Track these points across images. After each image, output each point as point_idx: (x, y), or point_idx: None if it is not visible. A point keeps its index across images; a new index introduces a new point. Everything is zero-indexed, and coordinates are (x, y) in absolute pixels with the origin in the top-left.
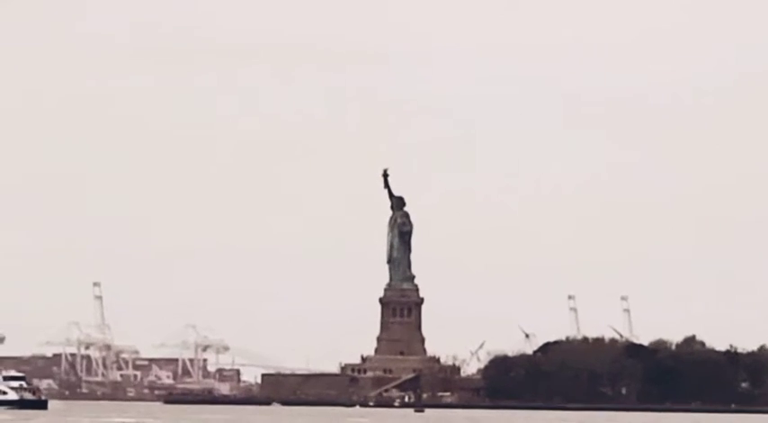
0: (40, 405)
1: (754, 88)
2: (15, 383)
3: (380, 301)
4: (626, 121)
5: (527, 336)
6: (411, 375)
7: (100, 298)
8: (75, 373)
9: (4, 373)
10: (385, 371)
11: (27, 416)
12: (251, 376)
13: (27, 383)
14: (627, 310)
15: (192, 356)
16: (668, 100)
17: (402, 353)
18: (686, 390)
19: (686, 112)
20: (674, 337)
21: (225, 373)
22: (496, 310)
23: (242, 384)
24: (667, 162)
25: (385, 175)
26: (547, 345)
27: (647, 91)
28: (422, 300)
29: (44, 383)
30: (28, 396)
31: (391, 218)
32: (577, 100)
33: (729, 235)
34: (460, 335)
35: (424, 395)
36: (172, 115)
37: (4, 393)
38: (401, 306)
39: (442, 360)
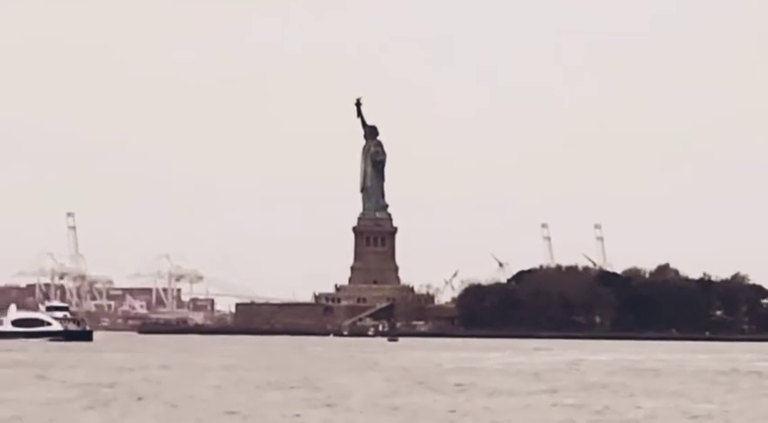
0: (85, 336)
1: (722, 19)
2: (59, 313)
3: (354, 230)
4: (600, 51)
5: (501, 264)
6: (385, 304)
7: (74, 228)
8: None
9: (47, 303)
10: (359, 300)
11: (75, 348)
12: (225, 306)
13: (71, 313)
14: (600, 239)
15: (165, 286)
16: (640, 29)
17: (376, 282)
18: (660, 318)
19: (658, 43)
20: (648, 265)
21: (199, 303)
22: (470, 239)
23: (216, 314)
24: (641, 93)
25: (358, 105)
26: (521, 273)
27: (612, 22)
28: (395, 229)
29: None
30: (72, 327)
31: (365, 147)
32: (566, 34)
33: (703, 164)
34: (434, 264)
35: (398, 324)
36: (141, 47)
37: (48, 324)
38: (375, 235)
39: (415, 289)
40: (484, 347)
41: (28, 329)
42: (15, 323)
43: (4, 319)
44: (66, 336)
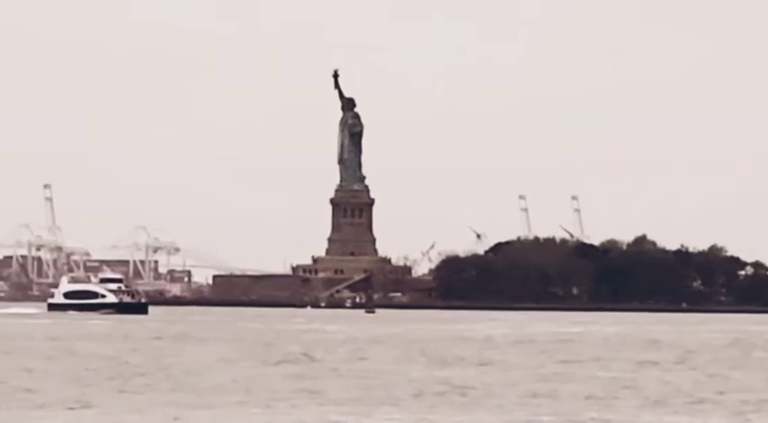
0: (140, 309)
1: None
2: (113, 285)
3: (331, 201)
4: (577, 17)
5: (478, 236)
6: (362, 276)
7: (50, 200)
8: (27, 275)
9: (101, 275)
10: (336, 272)
11: (130, 321)
12: (202, 277)
13: (125, 286)
14: (577, 210)
15: (143, 258)
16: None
17: (353, 253)
18: (637, 289)
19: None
20: (625, 236)
21: (176, 275)
22: (447, 211)
23: (193, 285)
24: (618, 62)
25: (335, 76)
26: (498, 245)
27: None
28: (373, 200)
29: None
30: (127, 299)
31: (342, 119)
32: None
33: (681, 134)
34: (412, 235)
35: (376, 296)
36: (118, 18)
37: (103, 296)
38: (352, 207)
39: (393, 261)
40: (461, 319)
41: (81, 302)
42: (67, 295)
43: (55, 291)
44: (120, 308)
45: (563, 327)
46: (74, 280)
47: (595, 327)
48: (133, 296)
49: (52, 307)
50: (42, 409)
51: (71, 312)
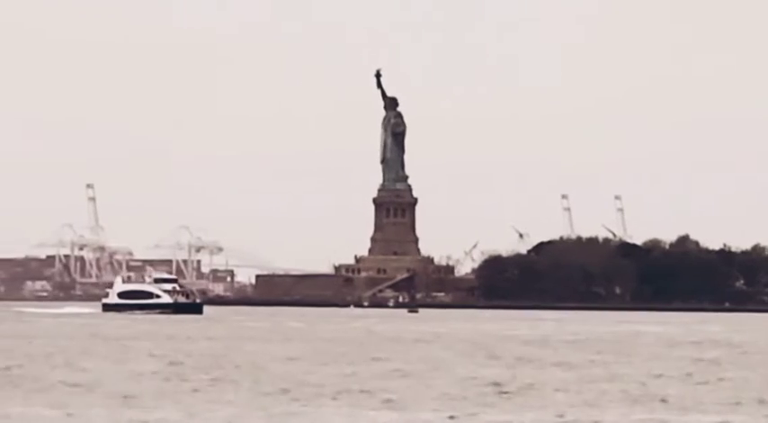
0: (195, 309)
1: None
2: (168, 286)
3: (374, 201)
4: (622, 15)
5: (521, 235)
6: (405, 275)
7: (93, 199)
8: (69, 275)
9: (156, 275)
10: (379, 271)
11: (188, 322)
12: (245, 277)
13: (180, 286)
14: (621, 210)
15: (185, 257)
16: None
17: (396, 253)
18: (680, 289)
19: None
20: (668, 236)
21: (219, 274)
22: (490, 210)
23: (236, 285)
24: (665, 60)
25: (378, 76)
26: (540, 244)
27: None
28: (415, 200)
29: (38, 285)
30: (182, 299)
31: (384, 118)
32: None
33: (724, 133)
34: (454, 235)
35: (418, 295)
36: (149, 17)
37: (158, 297)
38: (395, 206)
39: (435, 260)
40: (503, 319)
41: (135, 302)
42: (122, 295)
43: (110, 291)
44: (175, 308)
45: (622, 326)
46: (128, 280)
47: (657, 327)
48: (188, 296)
49: (107, 307)
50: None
51: (129, 312)
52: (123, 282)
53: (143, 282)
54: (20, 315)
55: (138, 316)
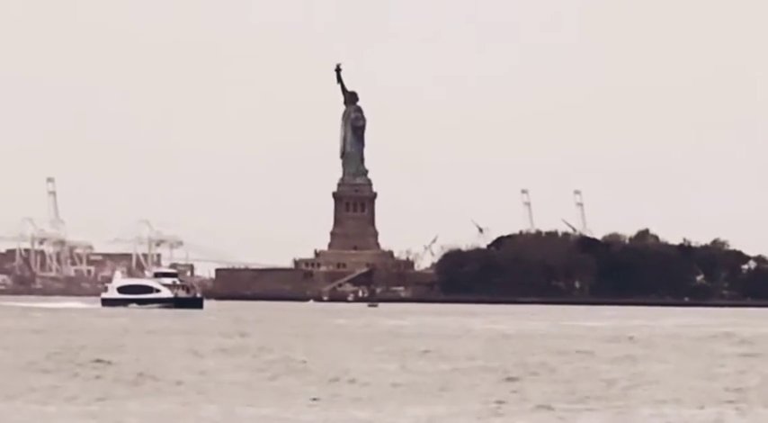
0: (196, 303)
1: None
2: (168, 280)
3: (334, 195)
4: (592, 14)
5: (480, 230)
6: (364, 270)
7: (53, 193)
8: (30, 269)
9: (156, 270)
10: (338, 265)
11: (187, 316)
12: (205, 271)
13: (180, 280)
14: (580, 204)
15: (146, 252)
16: None
17: (355, 247)
18: (640, 284)
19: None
20: (628, 230)
21: (179, 268)
22: (450, 205)
23: (196, 279)
24: (620, 56)
25: (338, 70)
26: (500, 239)
27: None
28: (375, 194)
29: None
30: (182, 294)
31: (344, 112)
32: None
33: (683, 129)
34: (414, 229)
35: (378, 290)
36: (121, 13)
37: (158, 291)
38: (354, 200)
39: (395, 254)
40: (463, 313)
41: (135, 296)
42: (122, 290)
43: (109, 285)
44: (176, 303)
45: (623, 321)
46: (127, 274)
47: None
48: (188, 290)
49: (106, 302)
50: None
51: (131, 306)
52: (123, 276)
53: (143, 276)
54: (24, 311)
55: (138, 310)
